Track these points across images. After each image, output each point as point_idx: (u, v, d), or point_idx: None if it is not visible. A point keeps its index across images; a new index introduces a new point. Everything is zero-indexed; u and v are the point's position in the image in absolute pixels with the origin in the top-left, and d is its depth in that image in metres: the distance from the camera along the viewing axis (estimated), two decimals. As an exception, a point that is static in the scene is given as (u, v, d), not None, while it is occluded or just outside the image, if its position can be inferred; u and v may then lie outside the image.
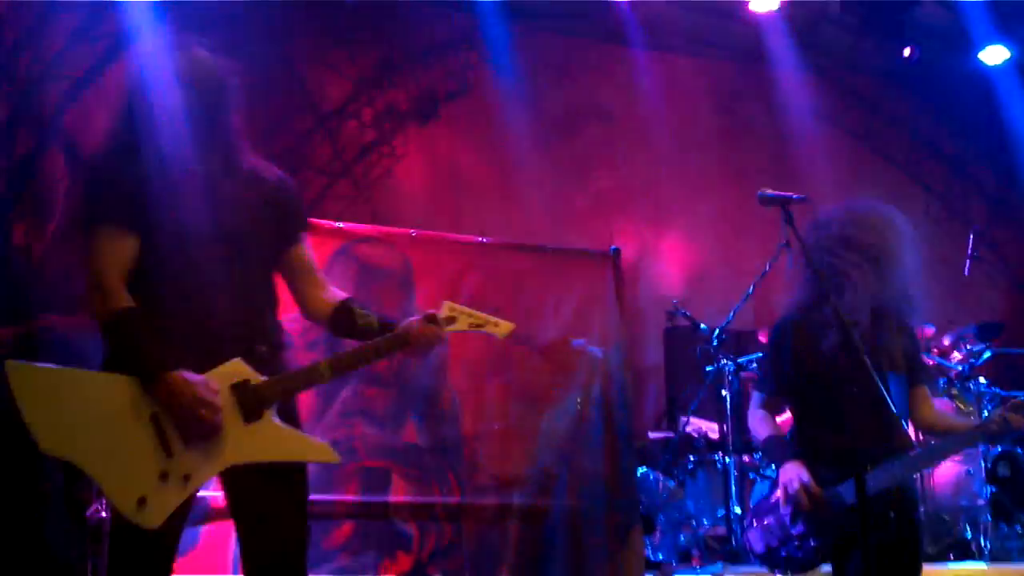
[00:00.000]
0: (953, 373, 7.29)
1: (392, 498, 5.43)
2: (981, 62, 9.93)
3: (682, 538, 6.71)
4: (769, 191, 4.09)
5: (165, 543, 3.10)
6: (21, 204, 6.39)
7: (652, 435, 8.32)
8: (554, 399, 5.86)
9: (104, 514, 4.71)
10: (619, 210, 9.81)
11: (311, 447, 3.26)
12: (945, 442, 4.30)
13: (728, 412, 6.74)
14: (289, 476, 3.23)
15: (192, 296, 3.14)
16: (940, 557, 6.42)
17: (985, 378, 7.16)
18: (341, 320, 3.40)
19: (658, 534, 6.75)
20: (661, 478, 7.06)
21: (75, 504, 5.35)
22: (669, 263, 9.98)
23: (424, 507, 5.46)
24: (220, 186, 3.26)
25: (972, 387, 6.99)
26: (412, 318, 3.34)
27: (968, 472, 6.88)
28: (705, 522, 6.87)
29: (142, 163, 3.15)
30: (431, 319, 3.34)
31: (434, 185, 9.20)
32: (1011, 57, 9.81)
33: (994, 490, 6.71)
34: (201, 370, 3.08)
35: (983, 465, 6.75)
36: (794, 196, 4.08)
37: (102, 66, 6.98)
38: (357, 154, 8.90)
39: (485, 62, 9.15)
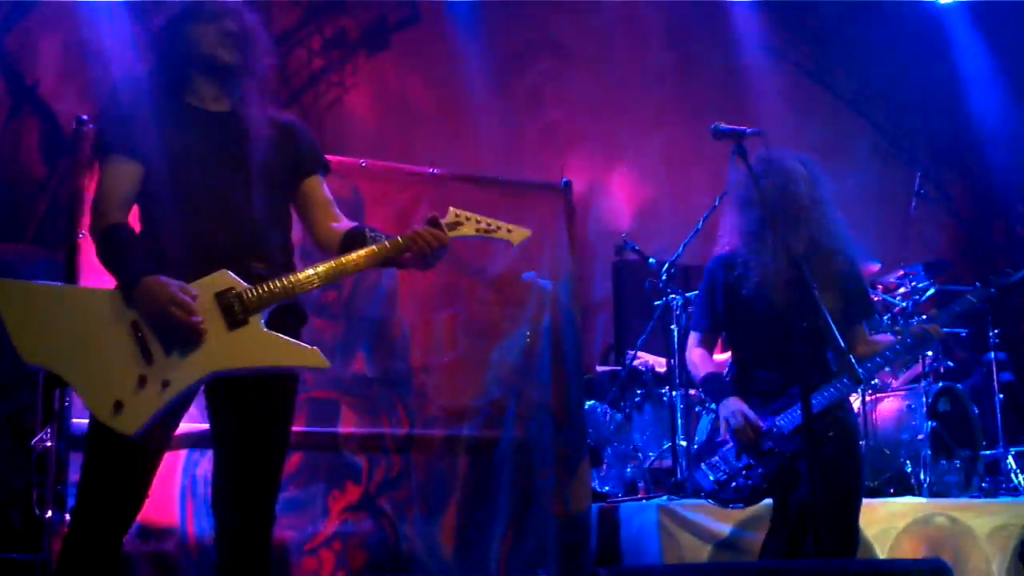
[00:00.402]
0: (896, 309, 7.38)
1: (341, 429, 5.42)
2: (934, 1, 9.96)
3: (629, 470, 6.79)
4: (723, 125, 4.10)
5: (145, 458, 3.11)
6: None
7: (600, 369, 8.39)
8: (503, 331, 5.88)
9: (50, 443, 4.67)
10: (570, 143, 9.76)
11: (299, 352, 3.15)
12: (873, 361, 4.37)
13: (675, 347, 6.78)
14: (275, 400, 3.25)
15: (191, 217, 3.19)
16: (880, 491, 6.53)
17: (928, 315, 7.26)
18: (352, 245, 3.33)
19: (605, 466, 6.83)
20: (609, 411, 7.13)
21: (19, 433, 5.31)
22: (619, 197, 9.96)
23: (373, 438, 5.46)
24: (228, 115, 3.35)
25: (915, 323, 7.08)
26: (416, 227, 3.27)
27: (909, 407, 6.98)
28: (651, 455, 6.94)
29: (152, 93, 3.29)
30: (434, 222, 3.27)
31: (384, 116, 9.08)
32: (963, -4, 9.86)
33: (934, 425, 6.82)
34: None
35: (924, 400, 6.86)
36: (748, 130, 4.09)
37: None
38: (305, 83, 8.76)
39: (436, -9, 9.04)
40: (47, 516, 4.67)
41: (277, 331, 3.15)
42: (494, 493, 5.60)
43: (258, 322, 3.10)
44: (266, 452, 3.25)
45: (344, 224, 3.47)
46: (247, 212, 3.26)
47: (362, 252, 3.24)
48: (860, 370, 3.83)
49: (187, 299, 3.03)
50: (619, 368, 7.88)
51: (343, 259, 3.23)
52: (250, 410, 3.21)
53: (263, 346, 3.10)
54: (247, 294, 3.11)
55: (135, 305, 3.03)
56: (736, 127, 4.10)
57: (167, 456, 4.53)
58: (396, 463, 5.48)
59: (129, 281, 3.06)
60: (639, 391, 7.23)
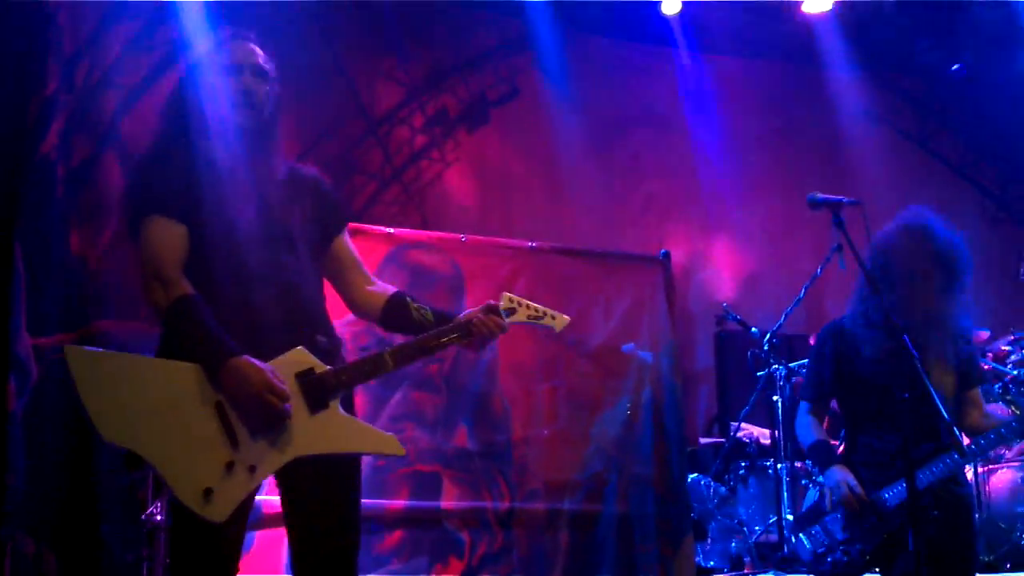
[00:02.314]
0: (1008, 378, 7.18)
1: (443, 503, 5.44)
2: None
3: (733, 545, 6.68)
4: (819, 195, 4.07)
5: (230, 540, 3.03)
6: (78, 211, 6.47)
7: (703, 441, 8.30)
8: (604, 404, 5.86)
9: (159, 517, 4.76)
10: (669, 214, 9.78)
11: (378, 439, 3.15)
12: (987, 437, 4.26)
13: (779, 417, 6.69)
14: (345, 475, 3.19)
15: (246, 287, 3.09)
16: (996, 567, 6.32)
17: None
18: (395, 313, 3.35)
19: (710, 541, 6.72)
20: (712, 484, 7.03)
21: (132, 505, 5.43)
22: (720, 267, 9.92)
23: (475, 512, 5.47)
24: (265, 180, 3.25)
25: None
26: (472, 309, 3.30)
27: (1024, 478, 6.77)
28: (757, 529, 6.82)
29: (188, 157, 3.15)
30: (492, 309, 3.30)
31: (484, 190, 9.21)
32: (1065, 56, 9.68)
33: (1052, 497, 6.61)
34: (265, 359, 3.01)
35: (1041, 471, 6.65)
36: (845, 200, 4.06)
37: (158, 74, 7.07)
38: (407, 159, 8.94)
39: (534, 66, 9.17)
40: (157, 589, 4.76)
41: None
42: (596, 568, 5.55)
43: (337, 406, 3.09)
44: (344, 526, 3.20)
45: (380, 288, 3.44)
46: (297, 277, 3.20)
47: (431, 336, 3.24)
48: (965, 445, 3.74)
49: (283, 387, 2.97)
50: (722, 440, 7.78)
51: (414, 343, 3.23)
52: (323, 487, 3.14)
53: (344, 431, 3.10)
54: (330, 378, 3.08)
55: (221, 386, 2.94)
56: (833, 196, 4.07)
57: (272, 531, 4.64)
58: (498, 537, 5.47)
59: (218, 361, 2.94)
60: (743, 463, 7.13)
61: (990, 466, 7.03)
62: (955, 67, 9.75)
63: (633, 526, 5.68)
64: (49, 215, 6.18)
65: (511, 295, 3.39)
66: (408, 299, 3.36)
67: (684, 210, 9.85)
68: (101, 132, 6.78)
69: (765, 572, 5.72)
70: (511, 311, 3.35)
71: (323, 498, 3.13)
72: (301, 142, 7.97)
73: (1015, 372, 7.21)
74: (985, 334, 7.66)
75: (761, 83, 10.16)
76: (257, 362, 2.96)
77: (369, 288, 3.43)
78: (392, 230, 5.67)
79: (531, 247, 5.94)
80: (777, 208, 9.54)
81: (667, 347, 5.94)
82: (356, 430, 3.13)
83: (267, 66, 3.32)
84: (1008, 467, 6.98)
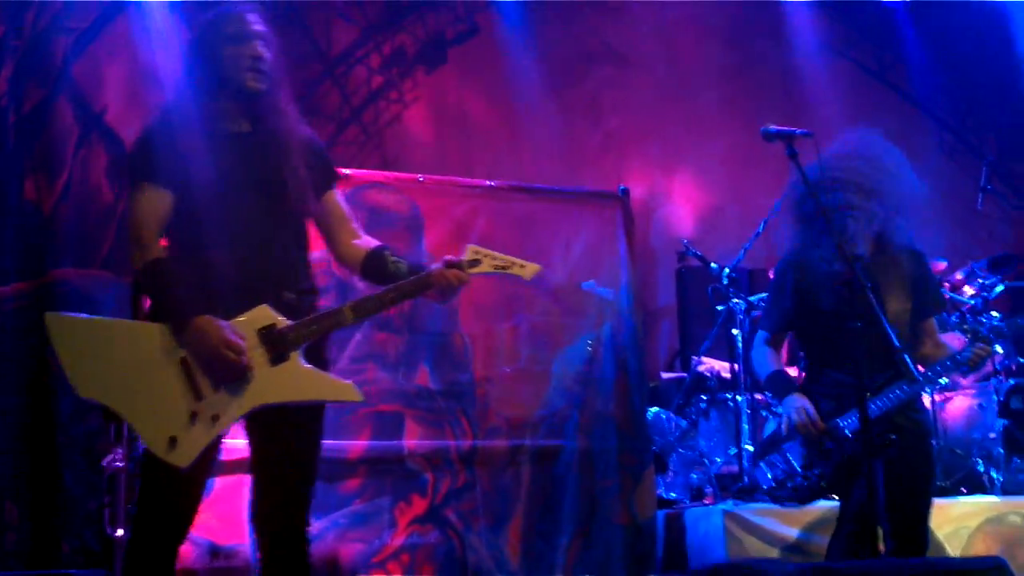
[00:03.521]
0: (966, 307, 7.26)
1: (406, 442, 5.48)
2: (998, -3, 9.82)
3: (694, 476, 6.77)
4: (772, 126, 4.08)
5: (193, 484, 3.27)
6: (31, 158, 6.39)
7: (665, 376, 8.37)
8: (565, 341, 5.90)
9: (119, 463, 4.79)
10: (629, 151, 9.77)
11: (336, 387, 3.37)
12: (933, 369, 4.32)
13: (740, 351, 6.74)
14: (304, 423, 3.37)
15: (222, 247, 3.29)
16: (952, 491, 6.43)
17: (998, 312, 7.14)
18: (373, 266, 3.52)
19: (671, 473, 6.81)
20: (674, 418, 7.11)
21: (92, 455, 5.44)
22: (680, 203, 9.93)
23: (438, 450, 5.52)
24: (252, 137, 3.43)
25: (985, 321, 6.96)
26: (437, 264, 3.44)
27: (980, 405, 6.87)
28: (718, 460, 6.91)
29: (192, 124, 3.35)
30: (452, 264, 3.43)
31: (443, 130, 9.16)
32: (1025, -13, 9.70)
33: (1007, 423, 6.71)
34: (230, 317, 3.23)
35: (996, 399, 6.75)
36: (797, 131, 4.07)
37: (109, 18, 6.96)
38: (365, 100, 8.87)
39: (492, 4, 9.09)
40: (117, 535, 4.79)
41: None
42: (559, 502, 5.62)
43: (298, 357, 3.28)
44: (300, 475, 3.39)
45: (365, 241, 3.60)
46: (276, 238, 3.39)
47: (391, 290, 3.40)
48: (916, 371, 3.80)
49: (239, 341, 3.19)
50: (684, 375, 7.85)
51: (375, 297, 3.39)
52: (284, 436, 3.33)
53: (304, 381, 3.29)
54: (289, 332, 3.27)
55: (185, 342, 3.18)
56: (786, 128, 4.07)
57: (235, 479, 4.66)
58: (461, 475, 5.53)
59: (181, 320, 3.19)
60: (704, 397, 7.19)
61: (946, 394, 7.13)
62: None
63: (595, 461, 5.75)
64: (1, 163, 6.11)
65: (476, 247, 3.50)
66: (386, 253, 3.53)
67: (643, 147, 9.83)
68: (52, 77, 6.68)
69: (724, 502, 5.79)
70: (475, 262, 3.47)
71: (283, 445, 3.34)
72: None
73: (972, 302, 7.30)
74: (943, 265, 7.73)
75: (719, 18, 10.11)
76: (217, 321, 3.18)
77: (354, 242, 3.60)
78: (349, 171, 5.63)
79: (489, 186, 5.95)
80: (736, 143, 9.52)
81: (627, 283, 5.97)
82: (315, 380, 3.31)
83: (270, 35, 3.48)
84: (963, 395, 7.09)
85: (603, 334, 5.92)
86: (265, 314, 3.26)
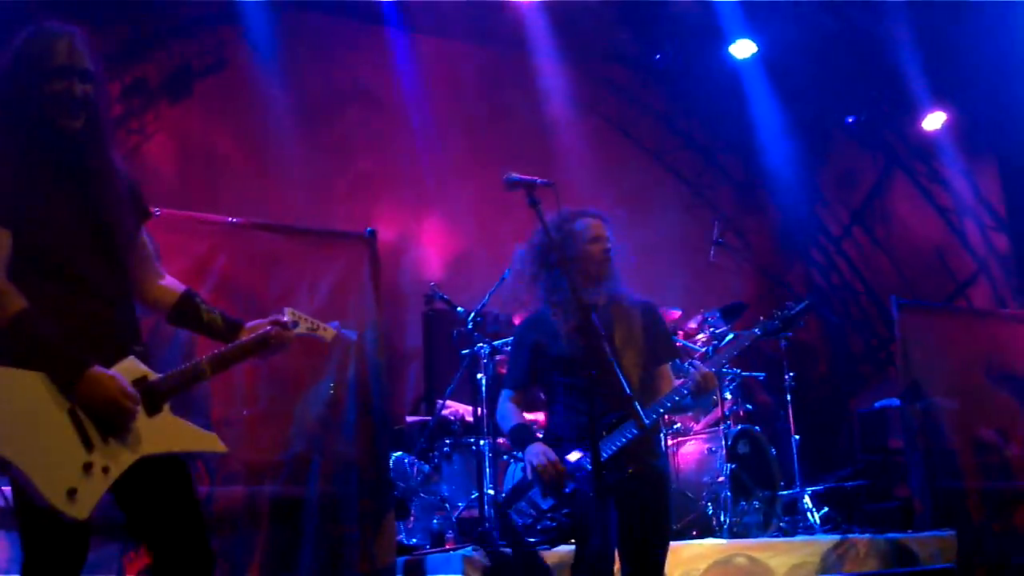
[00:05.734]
0: (698, 355, 7.58)
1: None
2: (731, 55, 10.39)
3: (436, 521, 6.73)
4: (515, 175, 4.16)
5: (84, 536, 3.21)
6: None
7: (410, 419, 8.33)
8: (307, 383, 5.77)
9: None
10: (380, 193, 9.76)
11: (203, 437, 3.39)
12: (653, 407, 4.47)
13: (483, 395, 6.79)
14: (178, 470, 3.32)
15: (75, 295, 3.20)
16: (684, 533, 6.64)
17: (707, 355, 7.48)
18: (185, 311, 3.55)
19: (412, 518, 6.75)
20: (416, 462, 7.07)
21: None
22: (430, 246, 9.99)
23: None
24: (94, 183, 3.29)
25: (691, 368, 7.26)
26: (262, 321, 3.54)
27: (710, 450, 7.16)
28: (460, 505, 6.91)
29: (16, 161, 3.19)
30: (284, 324, 3.55)
31: (187, 165, 8.89)
32: (757, 51, 10.31)
33: (734, 467, 7.01)
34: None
35: (724, 443, 7.04)
36: (539, 180, 4.16)
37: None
38: (103, 130, 8.50)
39: (241, 39, 8.92)
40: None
41: None
42: (299, 552, 5.47)
43: (168, 408, 3.29)
44: (187, 524, 3.32)
45: (171, 283, 3.58)
46: (116, 284, 3.32)
47: (239, 346, 3.46)
48: (642, 414, 3.92)
49: (135, 392, 3.15)
50: (428, 418, 7.84)
51: (228, 354, 3.45)
52: (157, 491, 3.28)
53: (177, 431, 3.31)
54: (160, 385, 3.26)
55: (77, 394, 3.08)
56: (527, 177, 4.16)
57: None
58: (196, 521, 5.29)
59: (73, 371, 3.08)
60: (448, 440, 7.20)
61: (680, 439, 7.40)
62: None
63: (337, 507, 5.63)
64: None
65: (293, 310, 3.63)
66: (198, 300, 3.57)
67: (394, 190, 9.85)
68: None
69: (465, 548, 5.78)
70: (295, 324, 3.61)
71: (163, 493, 3.28)
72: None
73: (703, 349, 7.63)
74: (677, 313, 8.07)
75: (473, 67, 10.28)
76: (111, 372, 3.12)
77: (161, 283, 3.58)
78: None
79: (231, 223, 5.77)
80: (486, 189, 9.63)
81: (373, 325, 5.91)
82: (186, 430, 3.34)
83: (93, 68, 3.30)
84: (695, 439, 7.37)
85: (347, 376, 5.83)
86: (135, 366, 3.23)
